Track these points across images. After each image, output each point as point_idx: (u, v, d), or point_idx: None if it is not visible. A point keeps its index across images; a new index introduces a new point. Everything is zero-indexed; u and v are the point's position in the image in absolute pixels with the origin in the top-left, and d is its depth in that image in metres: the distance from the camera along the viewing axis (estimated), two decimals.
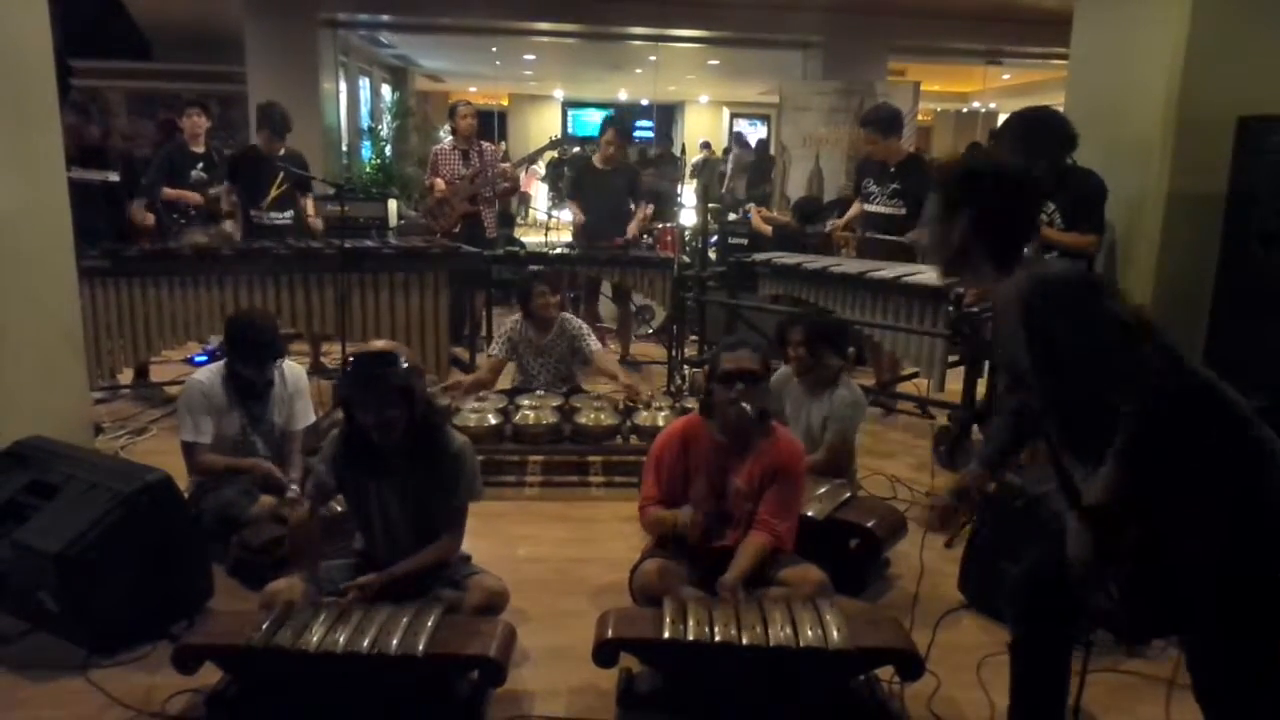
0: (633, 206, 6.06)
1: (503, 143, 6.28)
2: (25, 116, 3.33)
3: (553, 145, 7.41)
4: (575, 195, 6.18)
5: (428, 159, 6.68)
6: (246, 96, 8.79)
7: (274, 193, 5.29)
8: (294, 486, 3.22)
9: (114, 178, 4.93)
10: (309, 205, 5.59)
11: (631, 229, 5.97)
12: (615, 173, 6.02)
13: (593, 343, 4.52)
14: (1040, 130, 3.63)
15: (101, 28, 9.50)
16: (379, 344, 2.64)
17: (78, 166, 4.83)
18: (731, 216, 7.93)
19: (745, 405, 2.69)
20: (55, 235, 3.57)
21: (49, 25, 3.43)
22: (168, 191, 5.43)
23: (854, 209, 5.52)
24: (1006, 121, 3.83)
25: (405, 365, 2.48)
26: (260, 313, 3.63)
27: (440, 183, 6.03)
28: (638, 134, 17.28)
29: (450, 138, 6.30)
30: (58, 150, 3.55)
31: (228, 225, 5.35)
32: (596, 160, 6.05)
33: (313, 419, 3.52)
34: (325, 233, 5.34)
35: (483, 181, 6.04)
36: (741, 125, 19.69)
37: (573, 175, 6.38)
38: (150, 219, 5.18)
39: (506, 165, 6.39)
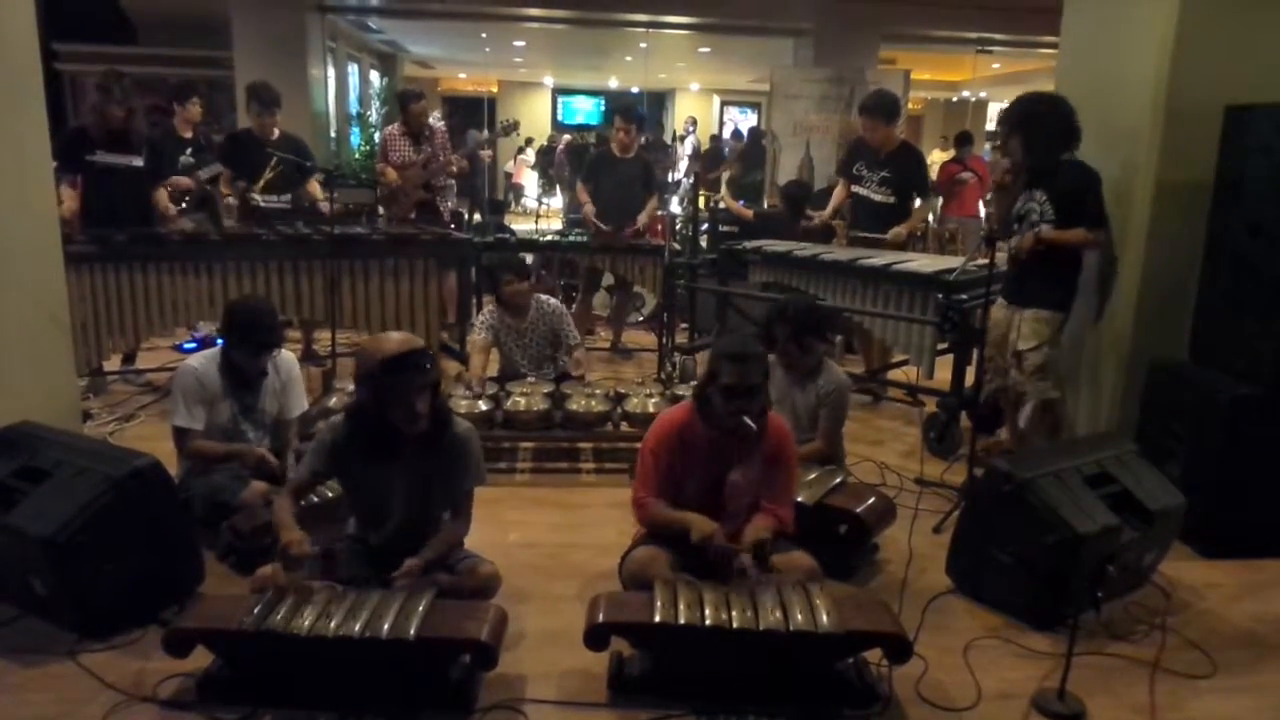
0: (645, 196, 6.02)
1: (441, 122, 6.00)
2: (10, 100, 3.29)
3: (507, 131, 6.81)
4: (590, 180, 6.06)
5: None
6: (234, 82, 8.71)
7: (267, 175, 5.24)
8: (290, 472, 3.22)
9: (138, 162, 4.84)
10: (313, 186, 5.50)
11: (642, 219, 5.90)
12: (631, 161, 5.96)
13: (574, 333, 4.56)
14: (1043, 121, 3.62)
15: (85, 11, 9.40)
16: (395, 336, 2.62)
17: (102, 150, 4.77)
18: (722, 205, 7.94)
19: (749, 423, 2.63)
20: (41, 220, 3.54)
21: (33, 6, 3.39)
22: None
23: (840, 192, 5.41)
24: (1013, 104, 3.78)
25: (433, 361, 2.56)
26: (261, 301, 3.59)
27: (392, 172, 5.83)
28: None
29: (396, 124, 5.99)
30: (43, 135, 3.51)
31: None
32: (614, 148, 6.01)
33: (305, 407, 3.52)
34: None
35: (435, 169, 5.88)
36: (732, 113, 19.67)
37: (590, 161, 6.32)
38: (173, 208, 5.13)
39: (455, 156, 6.11)
